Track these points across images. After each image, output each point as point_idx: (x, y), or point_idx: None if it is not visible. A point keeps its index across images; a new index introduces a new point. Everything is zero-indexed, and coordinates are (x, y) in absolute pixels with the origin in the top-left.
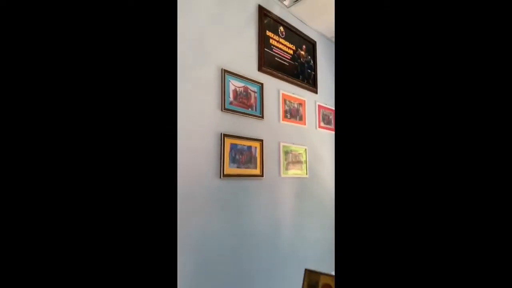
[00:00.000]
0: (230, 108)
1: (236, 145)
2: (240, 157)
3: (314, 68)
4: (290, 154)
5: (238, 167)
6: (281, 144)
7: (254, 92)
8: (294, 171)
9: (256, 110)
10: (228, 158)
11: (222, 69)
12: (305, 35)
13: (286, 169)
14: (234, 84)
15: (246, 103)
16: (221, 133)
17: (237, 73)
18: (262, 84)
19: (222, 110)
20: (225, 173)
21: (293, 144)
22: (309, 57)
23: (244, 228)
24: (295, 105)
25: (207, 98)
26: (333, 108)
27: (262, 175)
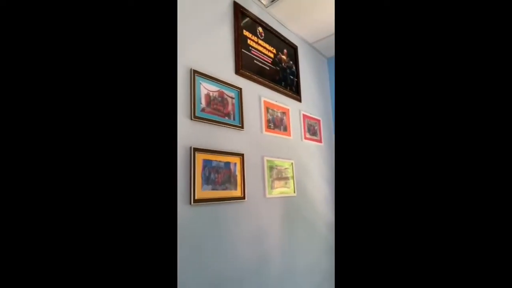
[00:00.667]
0: (201, 116)
1: (210, 161)
2: (216, 176)
3: (297, 75)
4: (275, 170)
5: (213, 189)
6: (265, 158)
7: (232, 98)
8: (281, 189)
9: (234, 119)
10: (200, 178)
11: (191, 69)
12: (286, 38)
13: (272, 187)
14: (206, 88)
15: (222, 110)
16: (191, 147)
17: (210, 75)
18: (240, 89)
19: (191, 118)
20: (196, 197)
21: (278, 158)
22: (291, 62)
23: (223, 271)
24: (279, 114)
25: None
26: (319, 118)
27: (243, 197)
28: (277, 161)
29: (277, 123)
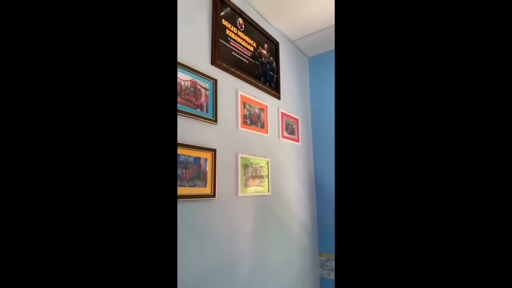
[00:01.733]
0: None
1: (178, 155)
2: (184, 172)
3: (277, 71)
4: (250, 168)
5: (180, 185)
6: (239, 155)
7: (205, 89)
8: (255, 188)
9: (207, 111)
10: None
11: None
12: (267, 32)
13: (245, 186)
14: (178, 76)
15: (193, 101)
16: None
17: (183, 63)
18: (215, 80)
19: None
20: None
21: (254, 155)
22: (272, 58)
23: (189, 273)
24: (256, 110)
25: None
26: (297, 117)
27: (213, 195)
28: (252, 159)
29: (254, 119)
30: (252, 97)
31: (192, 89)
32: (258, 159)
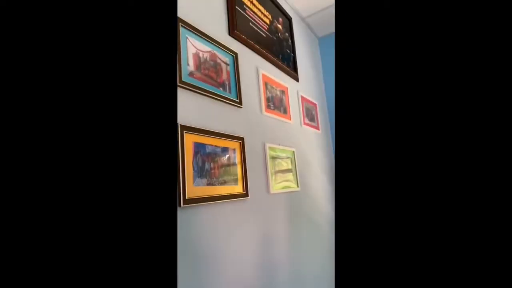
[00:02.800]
0: (190, 83)
1: (203, 145)
2: (212, 167)
3: (293, 50)
4: (277, 159)
5: (209, 184)
6: (267, 145)
7: (226, 63)
8: (284, 183)
9: (230, 91)
10: (191, 168)
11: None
12: (280, 6)
13: (276, 181)
14: (195, 46)
15: (215, 78)
16: (179, 125)
17: (200, 30)
18: (236, 54)
19: (178, 83)
20: (187, 196)
21: (279, 145)
22: (287, 34)
23: None
24: (278, 92)
25: None
26: (315, 102)
27: (246, 194)
28: (279, 149)
29: (276, 103)
30: (273, 77)
31: (211, 62)
32: (284, 148)
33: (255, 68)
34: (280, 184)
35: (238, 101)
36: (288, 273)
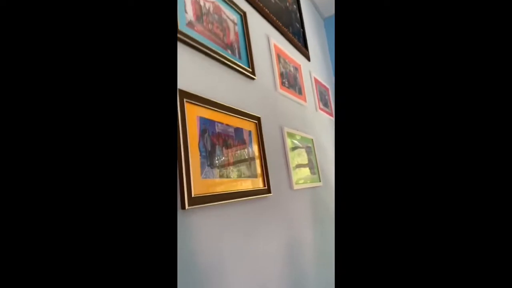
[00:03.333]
0: (188, 35)
1: (212, 122)
2: (225, 152)
3: (301, 24)
4: (297, 148)
5: (222, 177)
6: (285, 129)
7: (233, 22)
8: (306, 177)
9: (240, 56)
10: (197, 154)
11: None
12: None
13: (298, 174)
14: None
15: (221, 37)
16: (177, 90)
17: None
18: (244, 13)
19: None
20: (193, 193)
21: (297, 130)
22: (295, 6)
23: None
24: (291, 69)
25: None
26: (328, 86)
27: (268, 190)
28: (298, 135)
29: (291, 81)
30: (285, 51)
31: (216, 16)
32: (304, 135)
33: (265, 35)
34: (302, 177)
35: (250, 69)
36: (316, 285)
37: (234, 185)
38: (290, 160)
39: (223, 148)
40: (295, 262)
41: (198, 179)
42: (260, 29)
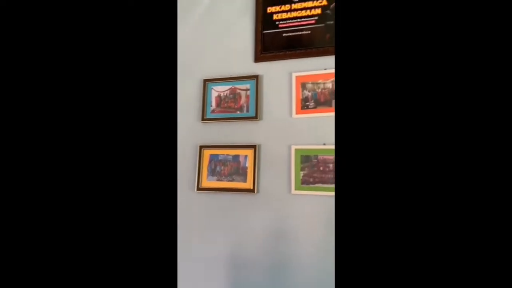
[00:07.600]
0: (211, 117)
1: (217, 155)
2: (222, 169)
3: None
4: (315, 161)
5: (218, 180)
6: (293, 147)
7: (246, 90)
8: (321, 185)
9: (248, 110)
10: (206, 170)
11: (203, 80)
12: None
13: (304, 182)
14: (217, 90)
15: (233, 106)
16: (199, 146)
17: (222, 77)
18: (257, 76)
19: (201, 120)
20: (201, 186)
21: (324, 144)
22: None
23: (226, 258)
24: (330, 85)
25: (185, 109)
26: None
27: (253, 190)
28: (320, 149)
29: (320, 99)
30: (319, 72)
31: (231, 96)
32: (329, 148)
33: (287, 74)
34: (314, 185)
35: (254, 116)
36: (308, 270)
37: (224, 185)
38: (294, 170)
39: (222, 167)
40: (277, 248)
41: (205, 181)
42: (282, 71)
